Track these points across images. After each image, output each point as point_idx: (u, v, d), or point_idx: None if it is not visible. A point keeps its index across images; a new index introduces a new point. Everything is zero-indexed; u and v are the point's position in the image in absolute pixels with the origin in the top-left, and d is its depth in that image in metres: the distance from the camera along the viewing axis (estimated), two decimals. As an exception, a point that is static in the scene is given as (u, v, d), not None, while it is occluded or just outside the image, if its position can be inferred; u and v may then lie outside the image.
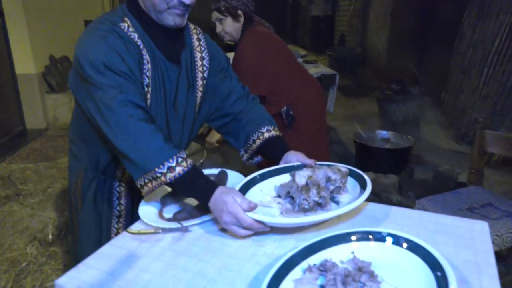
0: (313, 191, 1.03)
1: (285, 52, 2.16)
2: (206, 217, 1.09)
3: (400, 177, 3.22)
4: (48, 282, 2.22)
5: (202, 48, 1.29)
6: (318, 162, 1.21)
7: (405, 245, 0.85)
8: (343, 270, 0.81)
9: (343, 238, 0.91)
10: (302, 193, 1.03)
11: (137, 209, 1.15)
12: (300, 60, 4.35)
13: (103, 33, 1.07)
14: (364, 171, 1.18)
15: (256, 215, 0.97)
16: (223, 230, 1.05)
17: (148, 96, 1.15)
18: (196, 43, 1.29)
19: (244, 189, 1.12)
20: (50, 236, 2.67)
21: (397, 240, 0.86)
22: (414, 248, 0.83)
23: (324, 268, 0.83)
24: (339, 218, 1.06)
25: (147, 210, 1.15)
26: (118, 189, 1.32)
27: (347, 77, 7.58)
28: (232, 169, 1.35)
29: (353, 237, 0.90)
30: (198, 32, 1.32)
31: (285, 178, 1.18)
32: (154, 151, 1.01)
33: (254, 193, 1.14)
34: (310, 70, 4.03)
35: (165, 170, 1.01)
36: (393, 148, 3.51)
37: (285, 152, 1.27)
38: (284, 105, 2.09)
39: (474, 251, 0.92)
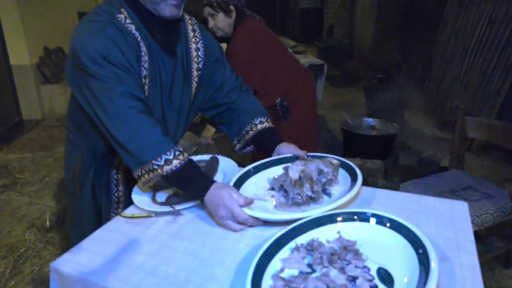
0: (307, 185, 1.05)
1: (277, 45, 2.17)
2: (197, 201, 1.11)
3: (386, 163, 3.28)
4: (46, 267, 2.24)
5: (197, 39, 1.29)
6: (309, 154, 1.23)
7: (388, 224, 0.88)
8: (329, 249, 0.84)
9: (329, 219, 0.94)
10: (295, 187, 1.06)
11: None
12: (289, 51, 4.35)
13: (101, 25, 1.05)
14: (351, 157, 1.22)
15: (251, 211, 0.99)
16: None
17: (146, 87, 1.15)
18: (191, 34, 1.28)
19: (239, 182, 1.14)
20: (48, 223, 2.68)
21: (381, 220, 0.90)
22: (397, 227, 0.87)
23: (311, 248, 0.86)
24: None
25: (140, 195, 1.17)
26: (115, 176, 1.32)
27: (335, 67, 7.64)
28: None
29: (339, 218, 0.94)
30: (193, 23, 1.31)
31: (279, 170, 1.21)
32: (152, 143, 1.02)
33: (249, 186, 1.16)
34: (299, 60, 4.04)
35: (162, 163, 1.01)
36: (378, 135, 3.57)
37: (278, 143, 1.29)
38: (278, 96, 2.11)
39: (454, 229, 0.97)
